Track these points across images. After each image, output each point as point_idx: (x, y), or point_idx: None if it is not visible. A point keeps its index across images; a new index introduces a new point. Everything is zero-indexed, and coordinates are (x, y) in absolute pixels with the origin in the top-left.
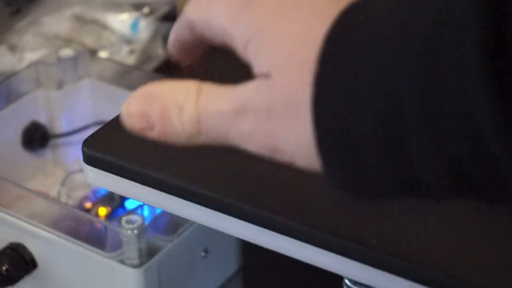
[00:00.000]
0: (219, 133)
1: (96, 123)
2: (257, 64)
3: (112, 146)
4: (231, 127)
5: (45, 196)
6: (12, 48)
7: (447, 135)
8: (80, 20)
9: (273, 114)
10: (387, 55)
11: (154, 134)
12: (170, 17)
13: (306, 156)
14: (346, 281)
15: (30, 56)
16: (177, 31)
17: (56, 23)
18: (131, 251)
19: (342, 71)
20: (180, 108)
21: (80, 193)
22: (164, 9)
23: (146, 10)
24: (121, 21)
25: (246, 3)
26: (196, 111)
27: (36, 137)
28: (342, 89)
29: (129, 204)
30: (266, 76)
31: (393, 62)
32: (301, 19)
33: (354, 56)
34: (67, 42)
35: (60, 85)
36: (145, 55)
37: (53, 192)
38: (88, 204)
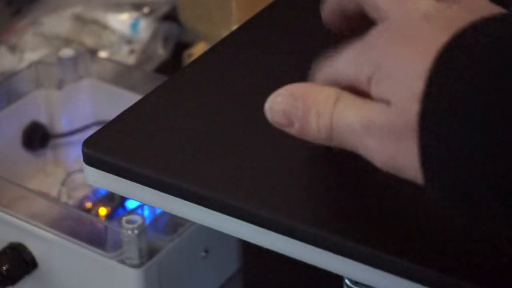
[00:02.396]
0: (350, 144)
1: (96, 123)
2: (378, 91)
3: (112, 146)
4: (359, 141)
5: (45, 196)
6: (12, 48)
7: None
8: (80, 20)
9: (395, 136)
10: (491, 86)
11: (293, 131)
12: (170, 17)
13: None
14: (346, 281)
15: (30, 56)
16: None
17: (56, 23)
18: (132, 251)
19: (447, 93)
20: (318, 114)
21: (80, 193)
22: (164, 9)
23: (146, 10)
24: (121, 21)
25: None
26: (330, 119)
27: (36, 137)
28: (446, 111)
29: (130, 204)
30: (387, 102)
31: (497, 92)
32: (416, 52)
33: (458, 82)
34: (67, 42)
35: (60, 85)
36: (145, 55)
37: (53, 192)
38: (88, 204)
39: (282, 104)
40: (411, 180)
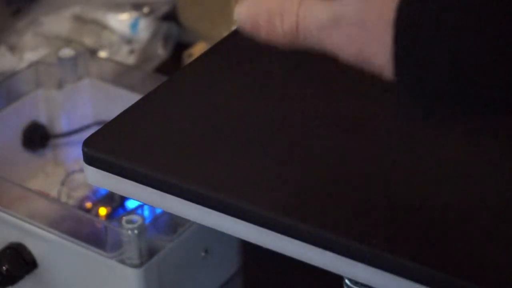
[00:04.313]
0: (314, 40)
1: (96, 123)
2: None
3: (113, 146)
4: (326, 35)
5: (45, 196)
6: (12, 48)
7: None
8: (80, 20)
9: (366, 26)
10: None
11: (262, 35)
12: (170, 17)
13: (389, 68)
14: (346, 281)
15: (30, 56)
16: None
17: (56, 23)
18: (131, 251)
19: None
20: (281, 16)
21: (80, 193)
22: (164, 9)
23: (146, 10)
24: (121, 21)
25: None
26: (296, 19)
27: (36, 137)
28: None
29: (130, 204)
30: None
31: None
32: None
33: None
34: (67, 42)
35: (60, 85)
36: (145, 55)
37: (53, 192)
38: (88, 204)
39: (249, 10)
40: (376, 72)
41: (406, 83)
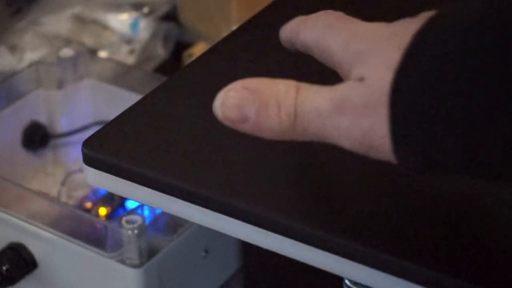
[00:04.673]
0: (315, 129)
1: (96, 123)
2: (356, 71)
3: (112, 147)
4: (328, 123)
5: (45, 196)
6: (12, 48)
7: None
8: (80, 20)
9: (369, 110)
10: (465, 54)
11: (247, 127)
12: (170, 17)
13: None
14: (346, 281)
15: (30, 56)
16: (289, 39)
17: (56, 23)
18: (131, 251)
19: (421, 63)
20: (278, 103)
21: (80, 193)
22: (164, 9)
23: (146, 10)
24: (121, 21)
25: (355, 35)
26: (294, 107)
27: (36, 137)
28: (420, 76)
29: (130, 204)
30: (360, 79)
31: (472, 59)
32: (392, 47)
33: (432, 53)
34: (67, 42)
35: (60, 85)
36: (145, 55)
37: (53, 192)
38: (88, 204)
39: (235, 99)
40: (384, 160)
41: (409, 165)
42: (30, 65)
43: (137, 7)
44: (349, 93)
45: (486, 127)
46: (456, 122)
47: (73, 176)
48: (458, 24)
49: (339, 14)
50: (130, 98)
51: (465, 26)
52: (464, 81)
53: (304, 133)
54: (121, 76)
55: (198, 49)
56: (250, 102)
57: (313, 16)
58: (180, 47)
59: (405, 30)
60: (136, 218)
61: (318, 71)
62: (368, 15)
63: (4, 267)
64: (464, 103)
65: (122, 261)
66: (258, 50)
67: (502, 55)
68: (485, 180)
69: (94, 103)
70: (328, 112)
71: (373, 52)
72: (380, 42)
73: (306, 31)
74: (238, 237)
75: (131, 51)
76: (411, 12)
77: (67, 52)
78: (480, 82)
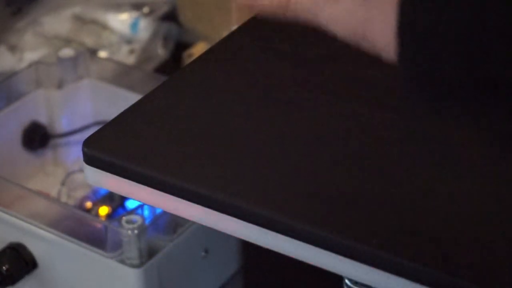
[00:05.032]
0: (309, 13)
1: (96, 123)
2: None
3: (113, 146)
4: (323, 8)
5: (45, 196)
6: (12, 48)
7: None
8: (80, 20)
9: (369, 1)
10: None
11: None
12: (170, 17)
13: (392, 48)
14: (346, 281)
15: (30, 56)
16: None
17: (56, 23)
18: (131, 251)
19: None
20: None
21: (80, 193)
22: (164, 9)
23: (146, 10)
24: (121, 21)
25: None
26: None
27: (36, 137)
28: None
29: (130, 204)
30: None
31: None
32: None
33: None
34: (67, 42)
35: (60, 85)
36: (145, 55)
37: (53, 192)
38: (88, 204)
39: None
40: (374, 51)
41: (408, 67)
42: (30, 65)
43: (137, 7)
44: None
45: (491, 31)
46: (464, 24)
47: (73, 176)
48: None
49: None
50: (130, 98)
51: None
52: None
53: (297, 14)
54: (121, 76)
55: (198, 49)
56: None
57: None
58: (180, 47)
59: None
60: (136, 218)
61: (318, 71)
62: None
63: (4, 267)
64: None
65: (122, 261)
66: (258, 50)
67: None
68: (482, 93)
69: (94, 103)
70: None
71: None
72: None
73: None
74: (238, 236)
75: (131, 51)
76: None
77: (67, 52)
78: None
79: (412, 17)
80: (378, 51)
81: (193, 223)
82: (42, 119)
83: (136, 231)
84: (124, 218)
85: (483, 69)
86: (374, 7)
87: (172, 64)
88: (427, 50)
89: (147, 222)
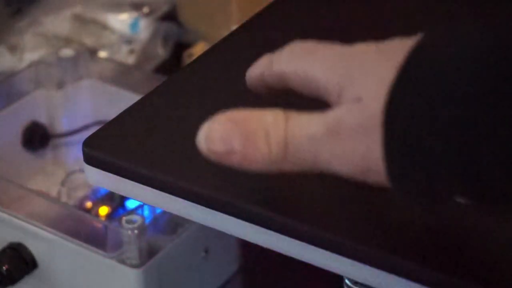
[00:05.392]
0: (308, 157)
1: (96, 123)
2: (349, 92)
3: (113, 146)
4: (322, 149)
5: (45, 196)
6: (12, 48)
7: None
8: (80, 20)
9: (367, 131)
10: (456, 74)
11: (234, 159)
12: (170, 17)
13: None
14: (346, 281)
15: (30, 56)
16: (262, 75)
17: (56, 23)
18: (131, 251)
19: (415, 84)
20: (267, 133)
21: (80, 193)
22: (164, 9)
23: (146, 10)
24: (121, 21)
25: (341, 56)
26: (285, 135)
27: (36, 137)
28: (414, 97)
29: (130, 204)
30: (357, 100)
31: (462, 79)
32: (384, 66)
33: (425, 76)
34: (67, 42)
35: (60, 85)
36: (145, 55)
37: (53, 192)
38: (88, 204)
39: (219, 132)
40: (382, 184)
41: (400, 188)
42: (30, 65)
43: (137, 7)
44: (344, 115)
45: (485, 148)
46: (455, 142)
47: (73, 176)
48: (451, 49)
49: (314, 42)
50: (130, 98)
51: (460, 50)
52: (461, 102)
53: (296, 161)
54: (121, 76)
55: (198, 49)
56: (235, 134)
57: (285, 48)
58: (180, 47)
59: (395, 48)
60: (136, 218)
61: None
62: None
63: (4, 267)
64: (462, 123)
65: (122, 261)
66: (258, 50)
67: (498, 80)
68: (488, 210)
69: (94, 103)
70: (321, 137)
71: (364, 71)
72: (370, 61)
73: (282, 62)
74: (238, 236)
75: (131, 51)
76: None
77: (67, 52)
78: (479, 103)
79: (398, 143)
80: (382, 182)
81: (193, 223)
82: (42, 119)
83: (136, 231)
84: (124, 218)
85: (480, 185)
86: (372, 136)
87: (172, 64)
88: (416, 172)
89: (147, 222)
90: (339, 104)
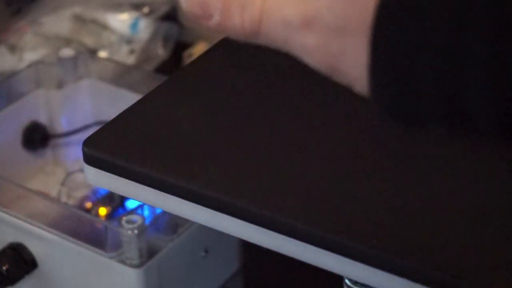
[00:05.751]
0: (279, 40)
1: (96, 123)
2: None
3: (112, 146)
4: (294, 36)
5: (45, 196)
6: (12, 48)
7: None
8: (80, 20)
9: (343, 33)
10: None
11: (211, 24)
12: (170, 17)
13: (364, 81)
14: (346, 281)
15: (30, 56)
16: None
17: (56, 23)
18: (131, 251)
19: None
20: (243, 6)
21: (80, 193)
22: (164, 9)
23: (146, 10)
24: (121, 21)
25: None
26: (260, 12)
27: (36, 137)
28: (405, 15)
29: (130, 204)
30: None
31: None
32: None
33: None
34: (67, 42)
35: (60, 85)
36: (145, 55)
37: (53, 192)
38: (88, 204)
39: None
40: (346, 84)
41: (380, 100)
42: (30, 65)
43: (137, 7)
44: (324, 9)
45: (468, 70)
46: (440, 61)
47: (73, 176)
48: None
49: None
50: (130, 98)
51: None
52: (453, 18)
53: (268, 41)
54: (121, 76)
55: (198, 49)
56: (214, 1)
57: None
58: (180, 47)
59: None
60: (136, 218)
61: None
62: None
63: (4, 267)
64: (451, 38)
65: (122, 261)
66: (258, 50)
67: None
68: (462, 134)
69: (94, 103)
70: (296, 25)
71: None
72: None
73: None
74: (238, 236)
75: (131, 51)
76: None
77: (67, 52)
78: (474, 32)
79: (386, 54)
80: (350, 83)
81: (193, 223)
82: (42, 119)
83: (136, 231)
84: (124, 218)
85: (462, 109)
86: (348, 39)
87: (172, 64)
88: (400, 87)
89: (147, 222)
90: None
